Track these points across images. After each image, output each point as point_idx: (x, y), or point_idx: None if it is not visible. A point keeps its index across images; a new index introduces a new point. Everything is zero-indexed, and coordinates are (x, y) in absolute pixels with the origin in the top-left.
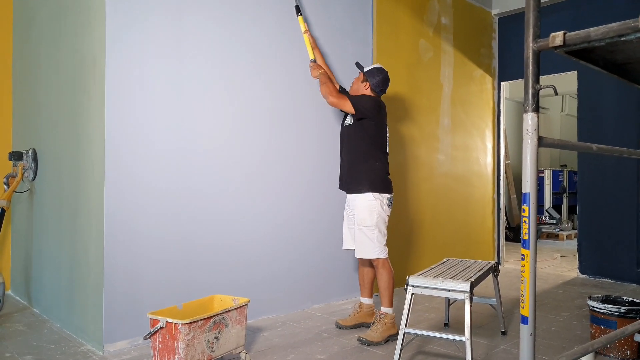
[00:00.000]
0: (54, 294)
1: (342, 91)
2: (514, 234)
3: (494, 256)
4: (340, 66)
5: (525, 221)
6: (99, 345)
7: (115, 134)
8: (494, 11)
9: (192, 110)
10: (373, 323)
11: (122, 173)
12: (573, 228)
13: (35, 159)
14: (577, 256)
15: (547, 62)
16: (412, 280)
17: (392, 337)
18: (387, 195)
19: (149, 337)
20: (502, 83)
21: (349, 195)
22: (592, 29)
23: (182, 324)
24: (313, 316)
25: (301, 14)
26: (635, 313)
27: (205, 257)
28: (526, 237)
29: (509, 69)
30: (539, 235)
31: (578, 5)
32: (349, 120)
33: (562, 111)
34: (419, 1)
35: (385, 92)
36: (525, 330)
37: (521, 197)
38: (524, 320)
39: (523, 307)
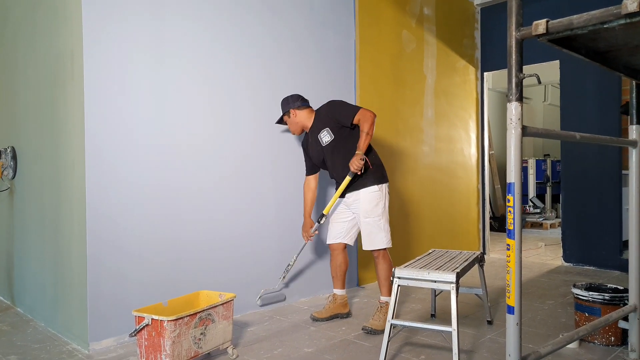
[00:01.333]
0: (38, 292)
1: (306, 152)
2: (498, 223)
3: (479, 246)
4: (323, 58)
5: (510, 211)
6: (85, 343)
7: (96, 130)
8: (476, 1)
9: (175, 106)
10: (351, 313)
11: (103, 169)
12: (557, 217)
13: (14, 157)
14: (561, 245)
15: (529, 52)
16: (398, 272)
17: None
18: (388, 184)
19: (135, 335)
20: (485, 73)
21: (347, 194)
22: (575, 16)
23: (168, 320)
24: (300, 310)
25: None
26: (618, 300)
27: (190, 253)
28: (511, 227)
29: (491, 59)
30: (523, 224)
31: None
32: (327, 138)
33: (544, 101)
34: None
35: (307, 101)
36: (511, 320)
37: (503, 188)
38: (510, 310)
39: (509, 297)
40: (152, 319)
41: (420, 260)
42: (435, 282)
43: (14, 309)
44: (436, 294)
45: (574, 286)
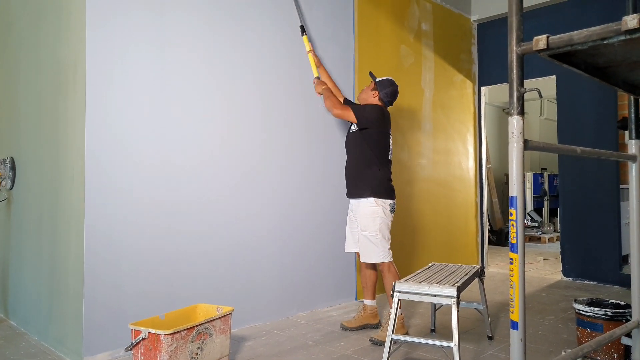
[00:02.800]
0: (32, 305)
1: (346, 103)
2: (496, 237)
3: (478, 260)
4: (326, 64)
5: (512, 225)
6: (79, 357)
7: (96, 140)
8: (473, 17)
9: (176, 116)
10: (381, 324)
11: (103, 180)
12: (554, 231)
13: (13, 168)
14: (561, 259)
15: (526, 67)
16: (399, 286)
17: None
18: (390, 201)
19: (131, 349)
20: (482, 88)
21: (352, 200)
22: (575, 32)
23: (165, 334)
24: (298, 324)
25: (306, 34)
26: (620, 315)
27: (187, 266)
28: (514, 241)
29: (488, 74)
30: None
31: (553, 12)
32: (354, 127)
33: (540, 115)
34: (400, 7)
35: (392, 105)
36: (515, 336)
37: (500, 201)
38: (514, 325)
39: (513, 312)
40: (148, 332)
41: (420, 274)
42: (435, 296)
43: (7, 321)
44: (436, 308)
45: (576, 301)
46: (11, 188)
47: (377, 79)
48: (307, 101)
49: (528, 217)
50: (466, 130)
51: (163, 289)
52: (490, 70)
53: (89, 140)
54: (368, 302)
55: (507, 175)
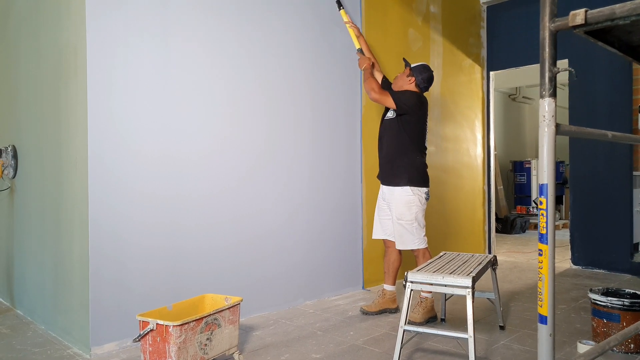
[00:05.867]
0: (38, 294)
1: (385, 82)
2: (502, 225)
3: (485, 248)
4: (330, 55)
5: (542, 214)
6: (86, 348)
7: (99, 128)
8: None
9: (179, 105)
10: (400, 308)
11: (106, 168)
12: (561, 219)
13: (15, 156)
14: (570, 247)
15: (535, 51)
16: (411, 276)
17: (432, 319)
18: (425, 189)
19: (139, 340)
20: (491, 73)
21: (384, 187)
22: (617, 5)
23: (174, 325)
24: (305, 313)
25: (343, 8)
26: (639, 306)
27: (195, 256)
28: (544, 232)
29: (498, 58)
30: (527, 226)
31: None
32: (390, 114)
33: None
34: None
35: (428, 90)
36: (544, 331)
37: (505, 189)
38: (543, 319)
39: (541, 306)
40: (157, 324)
41: (432, 263)
42: (449, 286)
43: (14, 310)
44: (446, 298)
45: (591, 291)
46: (14, 177)
47: (412, 65)
48: (313, 93)
49: (533, 205)
50: (474, 116)
51: (170, 280)
52: (499, 55)
53: (92, 127)
54: (388, 287)
55: (512, 163)
